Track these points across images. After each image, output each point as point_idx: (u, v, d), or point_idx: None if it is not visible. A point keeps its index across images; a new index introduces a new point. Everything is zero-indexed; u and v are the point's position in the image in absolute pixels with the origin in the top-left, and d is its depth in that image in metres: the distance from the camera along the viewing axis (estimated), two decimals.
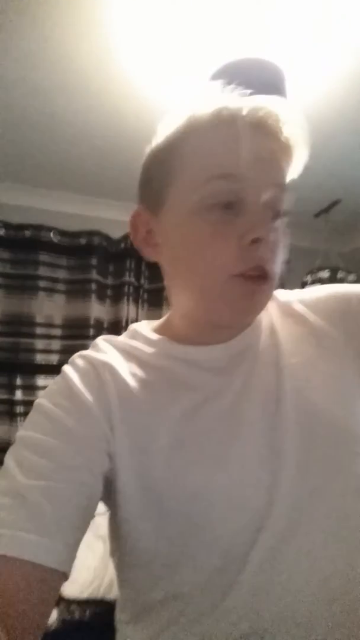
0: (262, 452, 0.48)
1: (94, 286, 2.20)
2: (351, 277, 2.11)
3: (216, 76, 1.18)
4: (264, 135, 0.45)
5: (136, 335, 0.59)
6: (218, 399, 0.51)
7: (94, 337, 2.19)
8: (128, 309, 2.23)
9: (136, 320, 2.21)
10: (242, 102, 0.46)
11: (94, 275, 2.20)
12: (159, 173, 0.50)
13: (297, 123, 0.46)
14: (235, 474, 0.46)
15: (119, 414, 0.49)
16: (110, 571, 1.27)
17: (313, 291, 0.59)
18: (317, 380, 0.50)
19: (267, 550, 0.44)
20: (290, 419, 0.48)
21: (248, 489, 0.46)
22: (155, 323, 0.62)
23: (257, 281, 0.46)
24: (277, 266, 0.48)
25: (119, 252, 2.28)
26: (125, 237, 2.28)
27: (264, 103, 0.46)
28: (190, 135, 0.47)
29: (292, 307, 0.58)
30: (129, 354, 0.56)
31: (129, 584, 0.53)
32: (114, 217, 2.26)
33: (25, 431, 0.47)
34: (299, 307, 0.57)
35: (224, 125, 0.45)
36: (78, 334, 2.16)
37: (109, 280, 2.29)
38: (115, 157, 1.85)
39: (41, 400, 0.50)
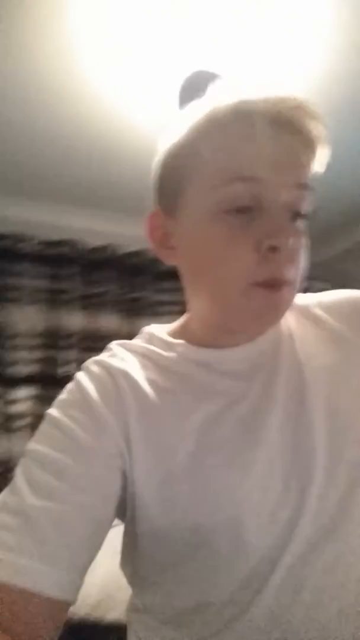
0: (288, 456, 0.46)
1: (72, 296, 2.18)
2: (326, 286, 2.16)
3: (185, 87, 1.21)
4: (284, 131, 0.43)
5: (153, 339, 0.57)
6: (240, 404, 0.49)
7: (74, 347, 2.20)
8: (107, 318, 2.22)
9: (116, 331, 2.23)
10: (262, 95, 0.43)
11: (72, 284, 2.19)
12: (175, 173, 0.48)
13: (319, 116, 0.44)
14: (262, 479, 0.45)
15: (137, 425, 0.47)
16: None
17: (331, 295, 0.58)
18: (338, 383, 0.49)
19: (297, 557, 0.43)
20: (316, 421, 0.47)
21: (277, 494, 0.45)
22: (171, 327, 0.60)
23: (277, 290, 0.44)
24: (299, 272, 0.46)
25: (97, 261, 2.28)
26: (105, 247, 2.28)
27: (285, 95, 0.43)
28: (209, 133, 0.45)
29: (310, 310, 0.56)
30: (147, 359, 0.54)
31: (151, 594, 0.51)
32: (91, 227, 2.26)
33: (36, 444, 0.46)
34: (317, 311, 0.56)
35: (243, 122, 0.43)
36: (56, 344, 2.14)
37: (88, 290, 2.28)
38: (93, 167, 1.86)
39: (53, 411, 0.48)
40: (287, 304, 0.47)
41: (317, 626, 0.42)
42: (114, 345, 0.57)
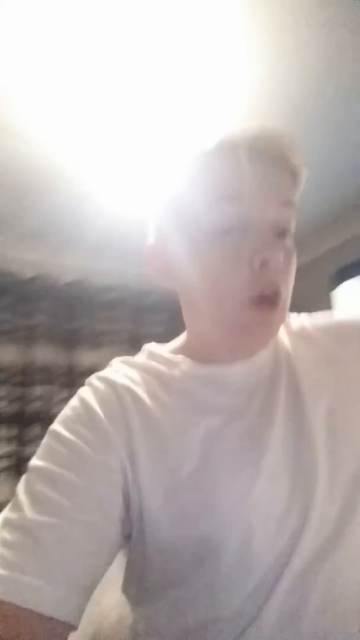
0: (290, 469, 0.48)
1: (4, 328, 2.09)
2: None
3: None
4: (265, 157, 0.47)
5: (154, 356, 0.58)
6: (241, 418, 0.51)
7: (6, 383, 2.07)
8: (42, 351, 2.18)
9: (53, 363, 2.17)
10: (244, 132, 0.48)
11: (5, 316, 2.10)
12: (170, 202, 0.52)
13: (294, 144, 0.49)
14: (267, 490, 0.46)
15: (141, 440, 0.48)
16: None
17: (325, 316, 0.61)
18: (335, 401, 0.51)
19: (302, 567, 0.44)
20: (316, 437, 0.49)
21: (282, 505, 0.46)
22: (171, 344, 0.61)
23: (272, 304, 0.47)
24: (289, 287, 0.49)
25: (32, 292, 2.19)
26: (40, 277, 2.20)
27: (262, 128, 0.48)
28: (196, 165, 0.49)
29: (305, 330, 0.59)
30: (149, 375, 0.55)
31: (158, 613, 0.50)
32: (26, 257, 2.19)
33: (38, 460, 0.46)
34: (312, 331, 0.58)
35: (226, 152, 0.47)
36: None
37: (21, 322, 2.18)
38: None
39: (57, 426, 0.49)
40: (280, 319, 0.50)
41: (322, 635, 0.43)
42: (116, 361, 0.58)
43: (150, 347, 0.61)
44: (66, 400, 0.53)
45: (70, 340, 2.25)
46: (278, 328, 0.52)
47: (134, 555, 0.51)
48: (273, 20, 1.06)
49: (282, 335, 0.59)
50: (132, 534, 0.49)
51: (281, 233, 0.48)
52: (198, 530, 0.45)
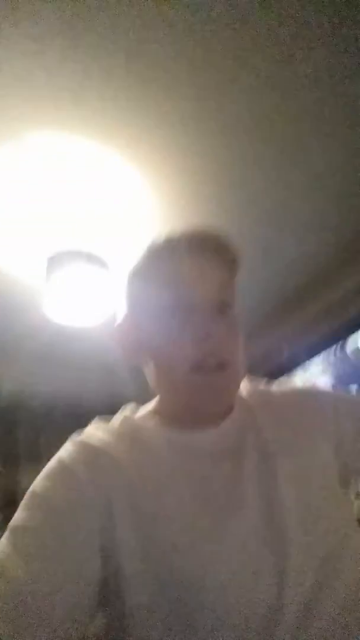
0: (261, 531, 0.49)
1: None
2: None
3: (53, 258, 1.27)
4: (202, 251, 0.57)
5: (129, 420, 0.61)
6: (211, 482, 0.53)
7: None
8: None
9: None
10: (185, 231, 0.59)
11: None
12: (129, 290, 0.62)
13: (228, 240, 0.59)
14: (237, 553, 0.47)
15: (119, 500, 0.50)
16: None
17: (290, 384, 0.68)
18: (301, 464, 0.54)
19: (285, 629, 0.45)
20: (286, 499, 0.51)
21: (258, 565, 0.47)
22: (147, 407, 0.65)
23: (215, 370, 0.53)
24: (235, 355, 0.56)
25: None
26: None
27: (201, 229, 0.59)
28: (146, 260, 0.60)
29: (268, 394, 0.65)
30: (126, 438, 0.57)
31: None
32: None
33: (16, 522, 0.47)
34: (275, 396, 0.64)
35: (170, 248, 0.58)
36: None
37: None
38: None
39: (35, 488, 0.50)
40: (227, 382, 0.55)
41: None
42: (93, 425, 0.61)
43: (126, 410, 0.65)
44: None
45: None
46: (229, 392, 0.58)
47: (111, 620, 0.51)
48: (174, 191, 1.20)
49: (251, 400, 0.63)
50: (111, 597, 0.49)
51: (222, 309, 0.56)
52: (173, 591, 0.46)
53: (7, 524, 0.48)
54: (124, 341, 0.62)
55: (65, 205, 1.16)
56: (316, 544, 0.49)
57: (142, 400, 0.66)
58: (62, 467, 0.52)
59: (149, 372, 0.62)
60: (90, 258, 1.24)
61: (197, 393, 0.54)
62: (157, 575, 0.47)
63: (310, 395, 0.65)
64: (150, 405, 0.65)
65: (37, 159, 1.03)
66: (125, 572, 0.47)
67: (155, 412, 0.63)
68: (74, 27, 0.78)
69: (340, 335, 1.75)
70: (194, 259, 0.56)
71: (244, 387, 0.65)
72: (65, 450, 0.55)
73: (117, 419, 0.62)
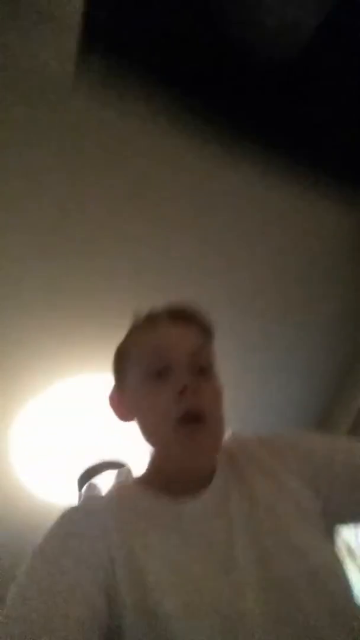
0: (256, 591, 0.49)
1: None
2: None
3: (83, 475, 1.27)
4: (178, 321, 0.66)
5: (124, 485, 0.67)
6: (206, 544, 0.55)
7: None
8: None
9: None
10: (164, 306, 0.68)
11: None
12: (119, 360, 0.70)
13: (201, 311, 0.68)
14: (235, 603, 0.48)
15: (121, 562, 0.52)
16: None
17: (271, 433, 0.69)
18: (283, 513, 0.56)
19: None
20: (274, 555, 0.52)
21: (253, 619, 0.47)
22: (140, 475, 0.68)
23: (195, 423, 0.57)
24: (215, 410, 0.61)
25: None
26: None
27: (178, 303, 0.68)
28: (129, 334, 0.69)
29: (253, 446, 0.67)
30: (120, 500, 0.62)
31: None
32: None
33: (22, 578, 0.49)
34: (253, 444, 0.67)
35: (150, 320, 0.67)
36: None
37: None
38: None
39: (41, 544, 0.53)
40: (207, 436, 0.58)
41: None
42: (87, 488, 0.70)
43: (121, 476, 0.74)
44: None
45: None
46: (210, 447, 0.60)
47: None
48: None
49: (235, 454, 0.66)
50: None
51: (201, 371, 0.62)
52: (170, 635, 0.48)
53: None
54: (116, 408, 0.69)
55: (93, 430, 1.25)
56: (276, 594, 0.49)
57: None
58: (67, 528, 0.55)
59: (141, 434, 0.66)
60: (116, 464, 1.28)
61: (181, 447, 0.58)
62: (151, 620, 0.48)
63: (292, 441, 0.67)
64: (143, 471, 0.68)
65: (66, 402, 1.23)
66: (123, 611, 0.49)
67: (147, 477, 0.66)
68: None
69: None
70: (170, 327, 0.65)
71: (229, 442, 0.67)
72: (67, 514, 0.58)
73: (113, 485, 0.68)
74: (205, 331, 0.68)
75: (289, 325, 1.39)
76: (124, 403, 0.68)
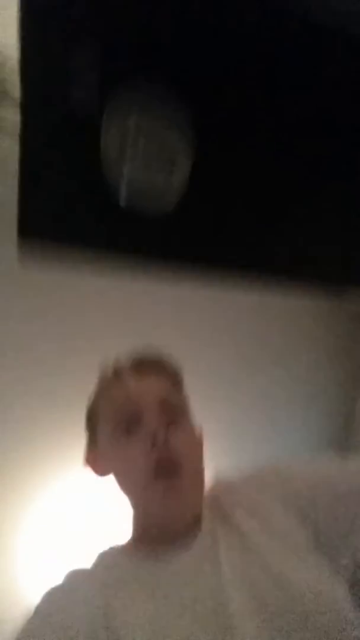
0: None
1: None
2: None
3: None
4: (144, 370, 0.64)
5: (106, 555, 0.61)
6: (199, 600, 0.51)
7: None
8: None
9: None
10: (129, 357, 0.66)
11: None
12: (89, 419, 0.67)
13: (168, 358, 0.67)
14: None
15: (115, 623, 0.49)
16: None
17: (264, 467, 0.65)
18: (276, 552, 0.53)
19: None
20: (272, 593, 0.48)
21: None
22: (124, 544, 0.64)
23: (170, 475, 0.55)
24: (191, 460, 0.59)
25: None
26: None
27: (142, 352, 0.67)
28: (99, 388, 0.67)
29: (239, 490, 0.62)
30: (103, 569, 0.58)
31: None
32: None
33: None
34: (246, 490, 0.62)
35: (115, 372, 0.66)
36: None
37: None
38: None
39: (26, 624, 0.52)
40: (190, 488, 0.57)
41: None
42: (67, 576, 0.59)
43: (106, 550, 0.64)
44: None
45: None
46: (190, 498, 0.58)
47: None
48: None
49: (220, 500, 0.61)
50: None
51: (171, 420, 0.60)
52: None
53: None
54: (92, 467, 0.67)
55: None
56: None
57: None
58: (49, 605, 0.54)
59: (121, 490, 0.64)
60: None
61: (157, 504, 0.56)
62: None
63: (280, 472, 0.64)
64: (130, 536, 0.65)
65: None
66: None
67: (133, 536, 0.63)
68: None
69: None
70: (135, 378, 0.63)
71: (214, 487, 0.64)
72: (49, 591, 0.56)
73: (98, 555, 0.62)
74: (172, 377, 0.66)
75: None
76: (98, 462, 0.65)
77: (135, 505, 0.61)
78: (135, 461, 0.57)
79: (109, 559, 0.60)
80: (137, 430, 0.59)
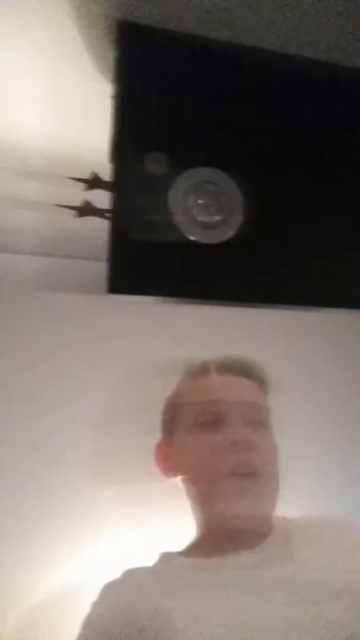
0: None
1: None
2: None
3: None
4: (232, 372, 0.64)
5: (165, 557, 0.60)
6: (258, 610, 0.49)
7: None
8: None
9: None
10: (217, 357, 0.66)
11: None
12: (168, 410, 0.68)
13: (257, 363, 0.66)
14: None
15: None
16: None
17: (330, 517, 0.66)
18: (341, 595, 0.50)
19: None
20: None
21: None
22: (186, 547, 0.62)
23: (244, 478, 0.55)
24: (268, 466, 0.58)
25: None
26: None
27: (232, 354, 0.66)
28: (185, 382, 0.67)
29: (309, 525, 0.62)
30: (160, 578, 0.55)
31: None
32: None
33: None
34: (316, 527, 0.62)
35: (203, 370, 0.66)
36: None
37: None
38: None
39: (95, 619, 0.51)
40: (257, 492, 0.56)
41: None
42: (126, 573, 0.58)
43: (165, 554, 0.62)
44: None
45: None
46: (262, 503, 0.58)
47: None
48: None
49: (288, 527, 0.60)
50: None
51: (255, 426, 0.61)
52: None
53: None
54: (160, 460, 0.66)
55: None
56: None
57: None
58: (107, 599, 0.53)
59: (184, 489, 0.64)
60: None
61: (230, 503, 0.56)
62: None
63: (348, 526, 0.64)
64: (190, 541, 0.63)
65: None
66: None
67: (193, 543, 0.62)
68: None
69: None
70: (223, 377, 0.64)
71: (282, 521, 0.62)
72: (108, 584, 0.55)
73: (161, 555, 0.61)
74: (261, 385, 0.66)
75: None
76: (170, 455, 0.65)
77: (205, 504, 0.60)
78: (215, 457, 0.57)
79: (171, 558, 0.60)
80: (220, 427, 0.59)
